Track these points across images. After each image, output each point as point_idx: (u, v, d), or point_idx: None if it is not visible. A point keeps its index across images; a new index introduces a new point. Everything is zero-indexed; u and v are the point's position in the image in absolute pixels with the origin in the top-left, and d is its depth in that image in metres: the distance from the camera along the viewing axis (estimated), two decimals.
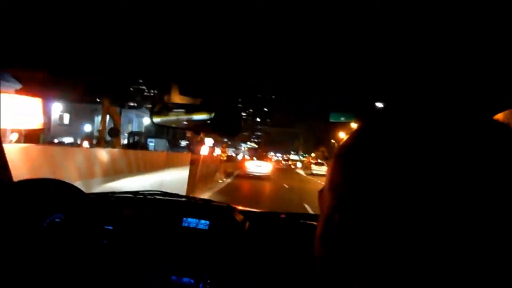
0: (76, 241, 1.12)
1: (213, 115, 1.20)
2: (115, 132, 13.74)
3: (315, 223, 1.21)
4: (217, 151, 18.92)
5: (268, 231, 1.24)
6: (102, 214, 1.20)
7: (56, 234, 1.13)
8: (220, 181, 14.50)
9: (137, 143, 19.45)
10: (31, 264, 1.05)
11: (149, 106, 45.18)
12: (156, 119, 1.32)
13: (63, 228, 1.14)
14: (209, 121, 1.21)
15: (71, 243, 1.12)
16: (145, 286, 1.11)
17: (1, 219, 1.06)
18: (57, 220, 1.15)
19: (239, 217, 1.25)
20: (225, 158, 18.77)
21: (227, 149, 61.93)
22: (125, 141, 20.09)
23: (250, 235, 1.21)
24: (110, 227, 1.17)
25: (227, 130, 1.29)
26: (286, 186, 15.18)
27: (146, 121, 40.81)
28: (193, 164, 10.57)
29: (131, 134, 21.53)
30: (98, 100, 38.02)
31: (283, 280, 1.02)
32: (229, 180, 15.53)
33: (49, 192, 1.19)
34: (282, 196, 11.44)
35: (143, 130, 40.19)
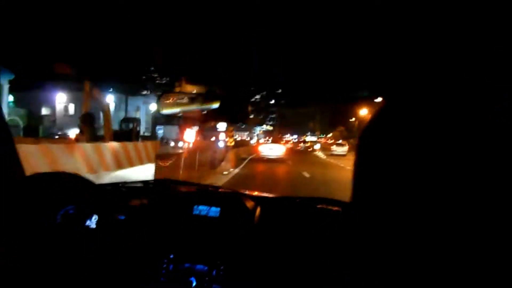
0: (90, 232, 1.10)
1: (219, 103, 1.20)
2: (87, 118, 10.85)
3: (334, 208, 1.20)
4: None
5: (281, 216, 1.20)
6: (114, 204, 1.17)
7: (70, 226, 1.11)
8: (225, 172, 11.55)
9: (131, 131, 16.46)
10: (46, 256, 1.02)
11: (159, 93, 42.51)
12: (163, 109, 1.31)
13: (77, 220, 1.12)
14: (215, 109, 1.21)
15: (85, 234, 1.10)
16: (160, 274, 1.08)
17: (16, 214, 1.04)
18: (71, 212, 1.13)
19: (250, 203, 1.24)
20: (232, 144, 15.77)
21: (241, 133, 59.13)
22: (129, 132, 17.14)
23: (261, 221, 1.19)
24: (123, 217, 1.15)
25: (234, 117, 1.36)
26: (307, 175, 12.06)
27: (153, 107, 38.14)
28: (163, 159, 7.54)
29: (124, 120, 18.58)
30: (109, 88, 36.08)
31: (297, 266, 0.96)
32: (236, 171, 12.53)
33: (61, 184, 1.15)
34: (304, 193, 8.39)
35: (150, 117, 37.66)
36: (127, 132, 16.56)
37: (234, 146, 18.05)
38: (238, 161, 15.88)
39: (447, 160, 0.27)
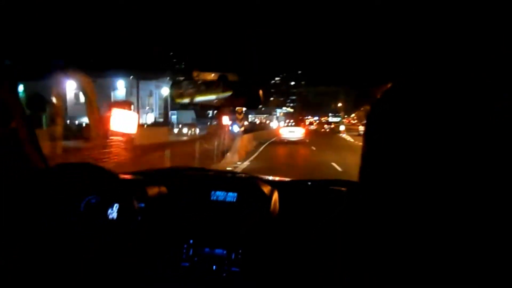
0: (112, 220, 1.10)
1: (231, 92, 1.18)
2: (36, 102, 7.89)
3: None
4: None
5: (297, 199, 1.20)
6: (134, 193, 1.12)
7: (92, 215, 1.11)
8: (228, 168, 8.43)
9: None
10: (71, 244, 1.03)
11: (175, 78, 39.98)
12: (177, 98, 1.27)
13: (99, 209, 1.12)
14: (228, 96, 1.19)
15: (107, 223, 1.10)
16: (180, 259, 1.10)
17: (41, 204, 1.05)
18: (93, 201, 1.13)
19: (266, 188, 1.23)
20: (242, 129, 12.62)
21: (260, 116, 55.62)
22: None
23: (278, 205, 1.18)
24: (143, 205, 1.12)
25: (247, 103, 1.29)
26: (339, 169, 8.85)
27: (166, 91, 35.32)
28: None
29: (113, 105, 15.67)
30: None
31: (314, 248, 0.86)
32: (245, 164, 9.45)
33: (83, 174, 1.13)
34: None
35: (163, 102, 34.83)
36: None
37: (248, 131, 14.97)
38: (252, 148, 12.78)
39: (448, 157, 0.27)
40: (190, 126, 24.10)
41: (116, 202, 1.10)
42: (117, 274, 1.02)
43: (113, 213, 1.10)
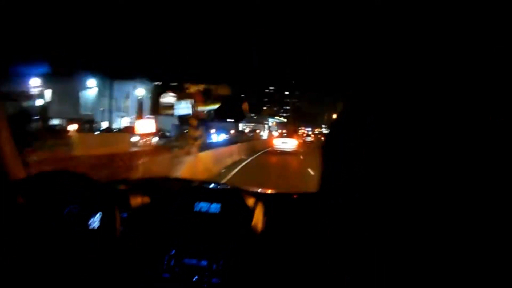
0: (94, 230, 1.07)
1: (218, 105, 1.23)
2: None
3: None
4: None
5: (280, 212, 1.21)
6: (117, 202, 1.10)
7: (74, 224, 1.09)
8: None
9: (23, 119, 8.87)
10: (51, 254, 1.00)
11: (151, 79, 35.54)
12: (162, 111, 1.42)
13: (81, 218, 1.09)
14: (214, 110, 1.32)
15: (89, 232, 1.07)
16: (161, 269, 1.09)
17: (20, 212, 1.03)
18: (75, 210, 1.10)
19: (250, 199, 1.23)
20: (197, 142, 8.05)
21: (249, 124, 50.98)
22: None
23: (261, 217, 1.18)
24: (125, 215, 1.12)
25: (232, 116, 1.33)
26: None
27: (140, 92, 30.66)
28: None
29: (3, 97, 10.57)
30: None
31: (297, 261, 0.92)
32: None
33: (64, 183, 1.11)
34: None
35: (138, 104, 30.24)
36: (24, 121, 8.86)
37: (228, 143, 10.45)
38: (220, 170, 8.35)
39: (445, 158, 0.26)
40: (144, 134, 19.05)
41: (99, 212, 1.08)
42: (97, 284, 1.00)
43: (95, 222, 1.07)
